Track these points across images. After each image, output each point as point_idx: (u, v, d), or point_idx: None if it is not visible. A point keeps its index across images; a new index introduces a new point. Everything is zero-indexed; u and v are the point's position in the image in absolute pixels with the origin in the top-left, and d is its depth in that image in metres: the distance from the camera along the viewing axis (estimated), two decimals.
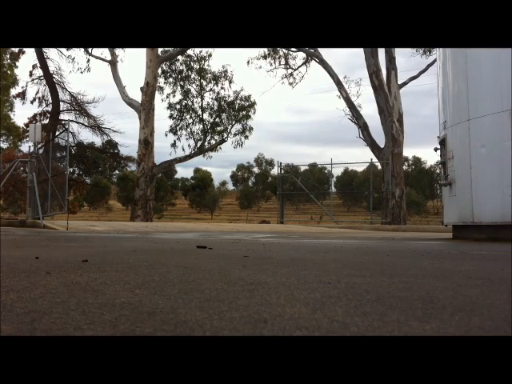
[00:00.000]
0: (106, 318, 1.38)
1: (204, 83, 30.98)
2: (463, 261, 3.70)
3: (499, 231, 7.37)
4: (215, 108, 31.22)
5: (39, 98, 29.39)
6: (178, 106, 31.14)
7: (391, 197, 23.12)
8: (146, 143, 25.54)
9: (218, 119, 31.18)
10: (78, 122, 29.31)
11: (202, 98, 31.16)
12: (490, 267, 3.18)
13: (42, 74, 28.81)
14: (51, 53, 28.87)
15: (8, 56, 29.28)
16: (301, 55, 29.85)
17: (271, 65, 30.19)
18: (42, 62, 28.25)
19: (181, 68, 30.77)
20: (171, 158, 29.81)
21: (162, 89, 30.39)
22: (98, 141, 36.73)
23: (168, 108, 31.23)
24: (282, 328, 1.29)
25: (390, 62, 24.66)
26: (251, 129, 31.41)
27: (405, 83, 27.00)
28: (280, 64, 30.13)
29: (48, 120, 28.75)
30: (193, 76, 30.96)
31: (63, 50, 28.29)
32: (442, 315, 1.49)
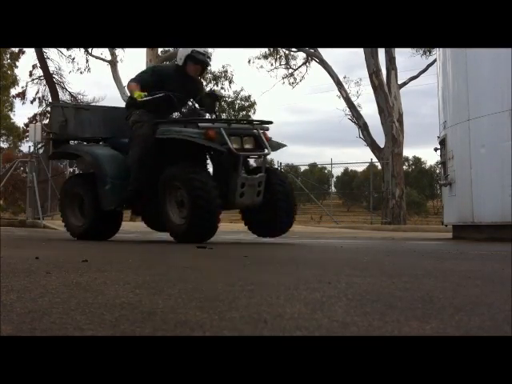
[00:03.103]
0: (105, 318, 1.38)
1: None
2: (463, 261, 3.70)
3: (499, 231, 7.36)
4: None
5: (39, 98, 29.33)
6: None
7: (391, 197, 23.11)
8: None
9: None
10: None
11: None
12: (489, 267, 3.18)
13: (42, 73, 28.79)
14: (51, 53, 28.74)
15: (8, 56, 29.25)
16: (301, 55, 29.82)
17: (272, 65, 30.14)
18: (42, 62, 28.19)
19: None
20: None
21: None
22: None
23: None
24: (282, 328, 1.29)
25: (390, 61, 24.62)
26: None
27: (405, 83, 26.95)
28: (281, 64, 30.08)
29: (48, 120, 28.74)
30: None
31: (63, 50, 28.25)
32: (442, 315, 1.49)
